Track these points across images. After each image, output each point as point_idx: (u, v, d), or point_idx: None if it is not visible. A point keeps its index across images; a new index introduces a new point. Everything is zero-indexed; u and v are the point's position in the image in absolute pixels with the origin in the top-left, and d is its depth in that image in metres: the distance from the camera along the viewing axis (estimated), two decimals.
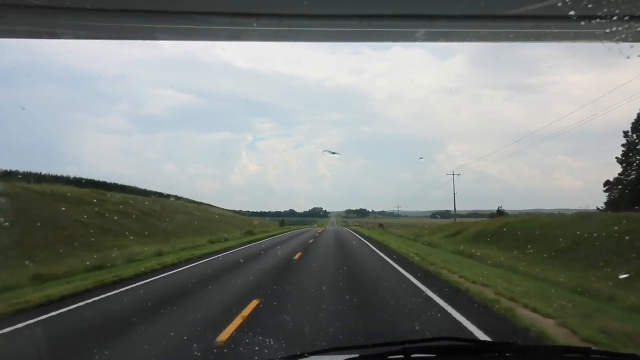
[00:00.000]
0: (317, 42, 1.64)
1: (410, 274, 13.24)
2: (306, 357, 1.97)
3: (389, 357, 1.79)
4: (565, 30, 1.50)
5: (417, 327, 6.74)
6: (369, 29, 1.35)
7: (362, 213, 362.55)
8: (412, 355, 1.78)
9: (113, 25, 1.14)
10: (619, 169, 40.55)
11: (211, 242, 26.37)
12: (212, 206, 55.56)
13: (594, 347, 1.83)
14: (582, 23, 1.29)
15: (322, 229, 68.36)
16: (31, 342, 6.22)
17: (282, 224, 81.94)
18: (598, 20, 1.25)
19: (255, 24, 1.26)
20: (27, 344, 6.20)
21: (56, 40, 1.23)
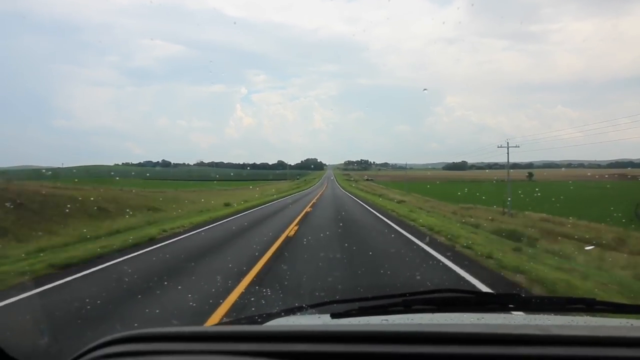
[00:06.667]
0: None
1: None
2: (305, 309, 2.03)
3: (389, 309, 1.79)
4: None
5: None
6: None
7: (363, 165, 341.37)
8: (413, 307, 1.80)
9: None
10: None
11: None
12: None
13: (598, 299, 1.76)
14: None
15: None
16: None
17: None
18: None
19: None
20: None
21: None
